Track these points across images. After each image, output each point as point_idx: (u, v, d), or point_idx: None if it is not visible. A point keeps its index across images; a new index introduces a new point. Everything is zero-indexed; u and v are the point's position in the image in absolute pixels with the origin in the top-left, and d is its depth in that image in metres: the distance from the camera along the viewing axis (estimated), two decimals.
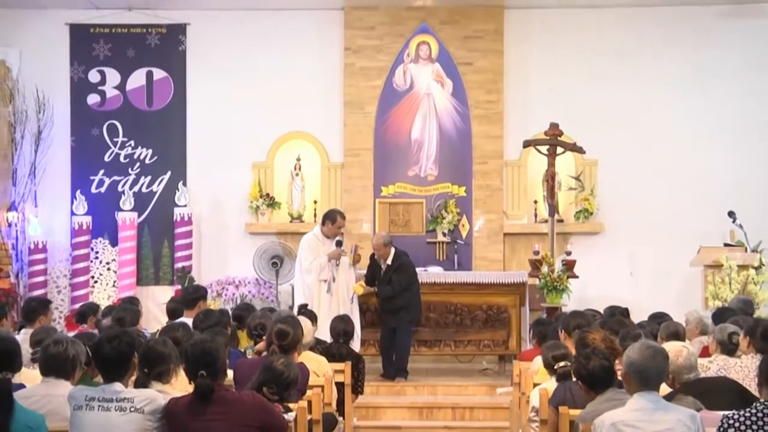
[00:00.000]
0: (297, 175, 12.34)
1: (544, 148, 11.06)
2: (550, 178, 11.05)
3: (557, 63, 12.27)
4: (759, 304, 9.67)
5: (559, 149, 11.02)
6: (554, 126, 10.97)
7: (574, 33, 12.27)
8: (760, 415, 4.18)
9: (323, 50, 12.34)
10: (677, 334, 6.56)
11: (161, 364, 4.74)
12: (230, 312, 8.24)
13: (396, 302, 9.92)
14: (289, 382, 5.14)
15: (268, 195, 12.26)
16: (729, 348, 6.10)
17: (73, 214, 12.08)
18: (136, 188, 12.32)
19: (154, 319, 11.52)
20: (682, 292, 11.15)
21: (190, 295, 8.51)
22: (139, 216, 12.22)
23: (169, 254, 12.25)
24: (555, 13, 12.31)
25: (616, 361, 5.06)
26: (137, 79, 12.45)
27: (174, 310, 8.36)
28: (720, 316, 7.57)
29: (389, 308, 9.96)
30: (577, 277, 10.54)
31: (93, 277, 12.11)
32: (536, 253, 10.61)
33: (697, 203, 11.87)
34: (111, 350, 4.51)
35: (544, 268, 10.37)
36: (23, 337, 7.07)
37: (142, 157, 12.42)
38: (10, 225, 11.94)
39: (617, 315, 7.62)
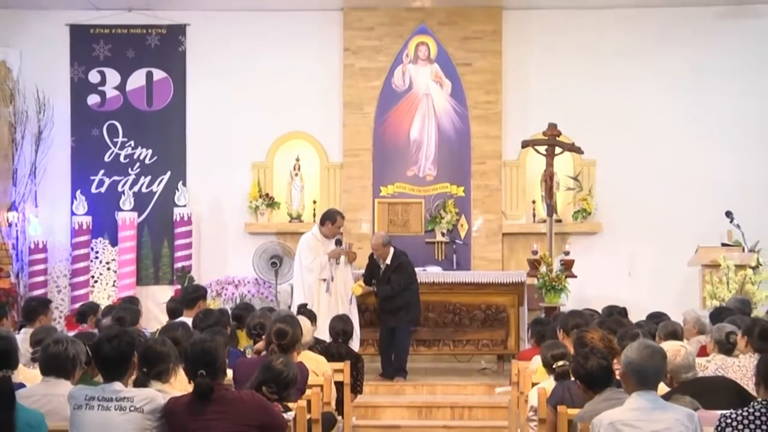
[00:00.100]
0: (296, 175, 12.36)
1: (542, 149, 11.07)
2: (548, 178, 11.06)
3: (556, 63, 12.28)
4: (756, 303, 9.68)
5: (558, 149, 11.03)
6: (552, 126, 10.99)
7: (573, 33, 12.29)
8: (757, 414, 4.20)
9: (323, 51, 12.35)
10: (675, 334, 6.57)
11: (160, 364, 4.75)
12: (230, 311, 8.25)
13: (395, 302, 9.93)
14: (289, 382, 5.15)
15: (267, 195, 12.28)
16: (727, 347, 6.11)
17: (73, 214, 12.09)
18: (136, 188, 12.34)
19: (153, 318, 11.54)
20: (680, 292, 11.17)
21: (190, 295, 8.52)
22: (138, 216, 12.23)
23: (169, 254, 12.26)
24: (553, 13, 12.32)
25: (615, 361, 5.06)
26: (137, 79, 12.47)
27: (174, 309, 8.37)
28: (718, 315, 7.59)
29: (388, 308, 9.97)
30: (576, 276, 10.56)
31: (93, 276, 12.12)
32: (535, 252, 10.62)
33: (695, 203, 11.88)
34: (111, 350, 4.51)
35: (543, 268, 10.38)
36: (23, 337, 7.10)
37: (142, 158, 12.43)
38: (10, 225, 11.95)
39: (615, 314, 7.62)
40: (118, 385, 4.47)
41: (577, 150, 11.13)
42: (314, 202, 12.30)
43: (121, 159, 12.42)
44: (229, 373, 5.45)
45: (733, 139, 12.11)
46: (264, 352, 6.16)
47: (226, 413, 4.46)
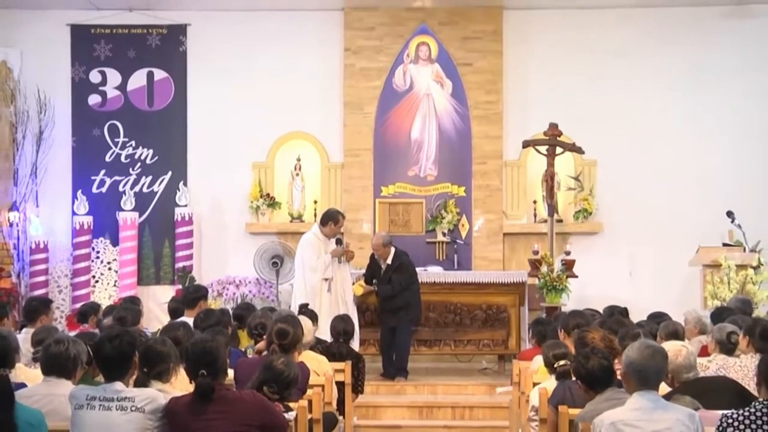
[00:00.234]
0: (297, 175, 12.36)
1: (543, 149, 11.08)
2: (549, 178, 11.07)
3: (556, 63, 12.28)
4: (757, 303, 9.68)
5: (559, 149, 11.03)
6: (553, 126, 10.99)
7: (573, 33, 12.28)
8: (759, 414, 4.19)
9: (323, 51, 12.35)
10: (676, 334, 6.57)
11: (161, 364, 4.75)
12: (231, 311, 8.25)
13: (396, 302, 9.94)
14: (290, 382, 5.15)
15: (268, 195, 12.28)
16: (728, 347, 6.11)
17: (74, 214, 12.10)
18: (137, 188, 12.34)
19: (155, 318, 11.56)
20: (681, 292, 11.18)
21: (191, 295, 8.53)
22: (140, 216, 12.23)
23: (170, 254, 12.26)
24: (554, 13, 12.32)
25: (616, 361, 5.07)
26: (138, 79, 12.47)
27: (175, 309, 8.38)
28: (719, 315, 7.59)
29: (389, 308, 9.98)
30: (577, 276, 10.56)
31: (94, 276, 12.12)
32: (536, 252, 10.63)
33: (696, 203, 11.88)
34: (112, 350, 4.51)
35: (544, 268, 10.39)
36: (24, 337, 7.11)
37: (142, 158, 12.43)
38: (11, 225, 11.96)
39: (616, 314, 7.62)
40: (119, 385, 4.47)
41: (578, 150, 11.13)
42: (315, 202, 12.30)
43: (122, 159, 12.43)
44: (230, 373, 5.46)
45: (733, 139, 12.11)
46: (265, 352, 6.16)
47: (227, 413, 4.46)
